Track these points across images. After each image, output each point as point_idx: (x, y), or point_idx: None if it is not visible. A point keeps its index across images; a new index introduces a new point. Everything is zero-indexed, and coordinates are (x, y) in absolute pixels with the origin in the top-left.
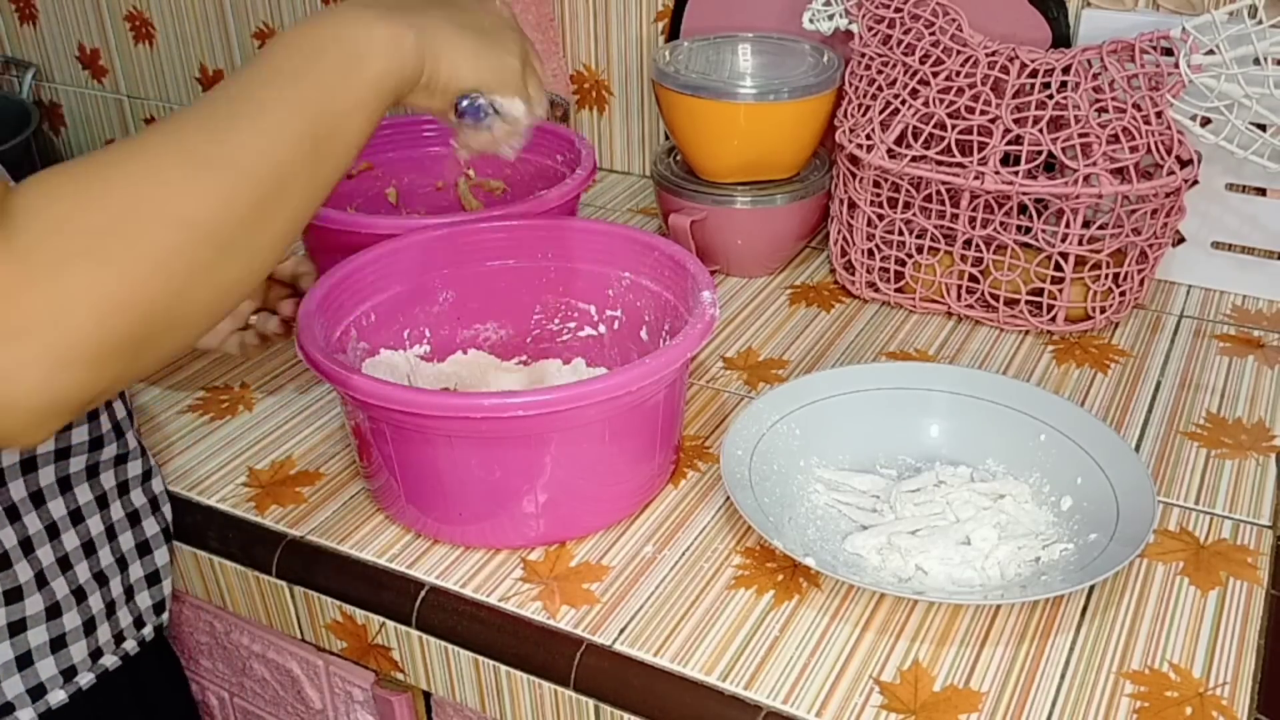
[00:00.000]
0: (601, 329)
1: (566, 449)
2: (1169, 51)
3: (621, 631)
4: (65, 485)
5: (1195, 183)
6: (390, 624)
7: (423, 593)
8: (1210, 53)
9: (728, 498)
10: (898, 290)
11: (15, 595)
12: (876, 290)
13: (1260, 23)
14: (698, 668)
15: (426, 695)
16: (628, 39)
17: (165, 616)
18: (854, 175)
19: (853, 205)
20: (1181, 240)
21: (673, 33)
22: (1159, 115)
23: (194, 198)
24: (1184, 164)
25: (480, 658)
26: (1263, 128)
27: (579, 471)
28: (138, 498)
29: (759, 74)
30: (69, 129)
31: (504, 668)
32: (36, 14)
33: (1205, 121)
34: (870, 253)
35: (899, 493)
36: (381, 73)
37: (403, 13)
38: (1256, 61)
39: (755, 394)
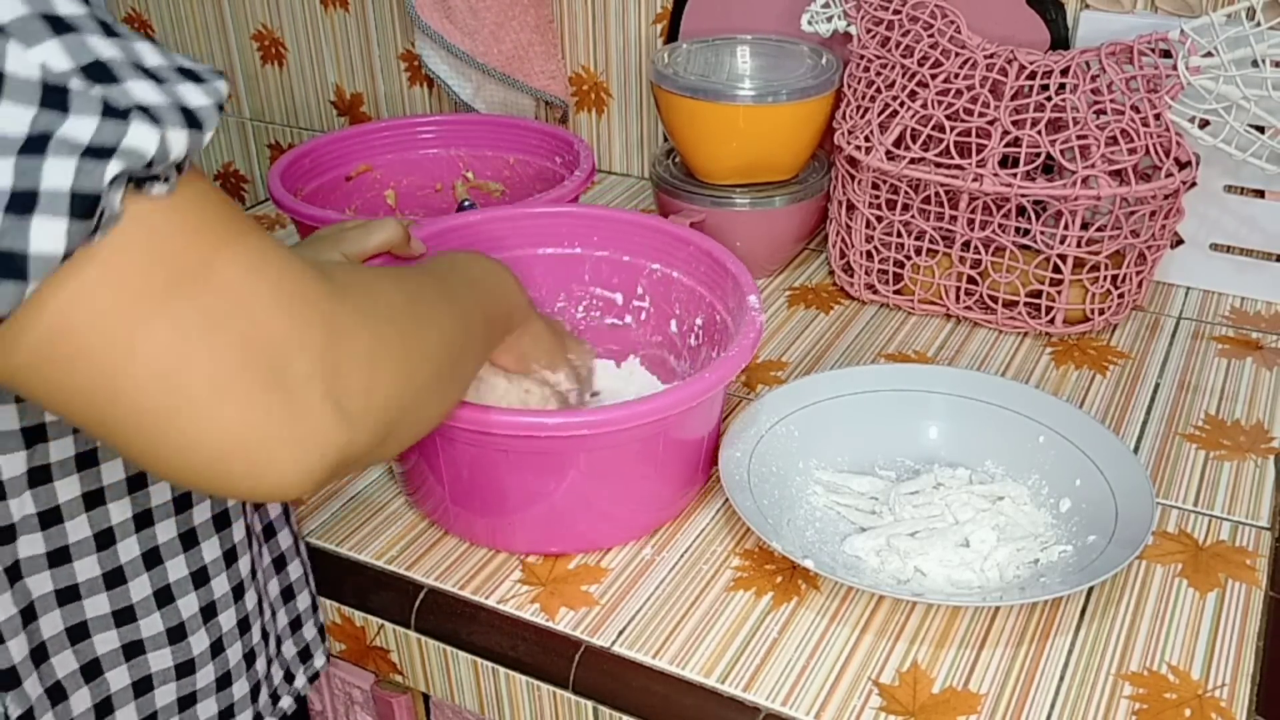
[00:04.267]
0: (628, 319)
1: (611, 461)
2: (1167, 53)
3: (620, 633)
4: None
5: (1193, 185)
6: (389, 626)
7: (421, 594)
8: (1208, 55)
9: (726, 499)
10: (896, 292)
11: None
12: (875, 292)
13: (1258, 25)
14: (697, 669)
15: (426, 696)
16: (626, 41)
17: (320, 661)
18: (853, 177)
19: (851, 207)
20: (1180, 242)
21: (671, 34)
22: (1157, 117)
23: (447, 319)
24: (1182, 166)
25: (479, 660)
26: (1261, 129)
27: (621, 483)
28: (285, 538)
29: (758, 76)
30: None
31: (502, 670)
32: None
33: (1204, 123)
34: (869, 254)
35: (898, 495)
36: (511, 308)
37: (528, 301)
38: (1255, 64)
39: (754, 395)
